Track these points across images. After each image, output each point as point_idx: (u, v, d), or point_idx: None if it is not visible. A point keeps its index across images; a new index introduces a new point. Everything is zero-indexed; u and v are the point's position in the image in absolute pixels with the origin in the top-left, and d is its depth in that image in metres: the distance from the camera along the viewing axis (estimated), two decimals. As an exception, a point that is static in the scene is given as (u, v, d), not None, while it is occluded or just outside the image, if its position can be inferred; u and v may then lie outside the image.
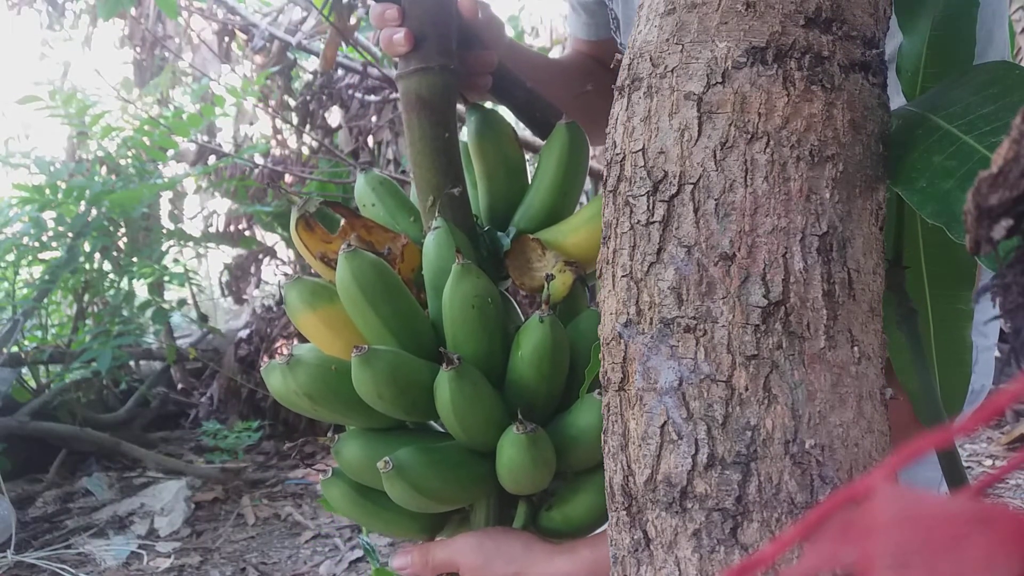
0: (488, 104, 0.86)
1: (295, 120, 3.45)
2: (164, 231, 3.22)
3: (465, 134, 0.80)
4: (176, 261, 3.33)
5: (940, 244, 0.54)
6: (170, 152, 3.23)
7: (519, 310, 0.78)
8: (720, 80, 0.43)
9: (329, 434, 0.70)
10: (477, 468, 0.68)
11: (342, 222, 0.73)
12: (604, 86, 1.02)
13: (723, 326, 0.42)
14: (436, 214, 0.71)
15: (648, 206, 0.44)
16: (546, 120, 0.81)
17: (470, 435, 0.66)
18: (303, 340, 0.75)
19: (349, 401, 0.66)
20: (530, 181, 0.80)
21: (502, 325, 0.69)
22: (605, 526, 0.70)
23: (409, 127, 0.71)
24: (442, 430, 0.70)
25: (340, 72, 3.25)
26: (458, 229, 0.71)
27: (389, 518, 0.71)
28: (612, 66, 0.49)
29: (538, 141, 0.81)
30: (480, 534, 0.68)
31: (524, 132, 1.05)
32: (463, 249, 0.68)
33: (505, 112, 0.89)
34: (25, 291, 3.08)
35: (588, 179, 3.09)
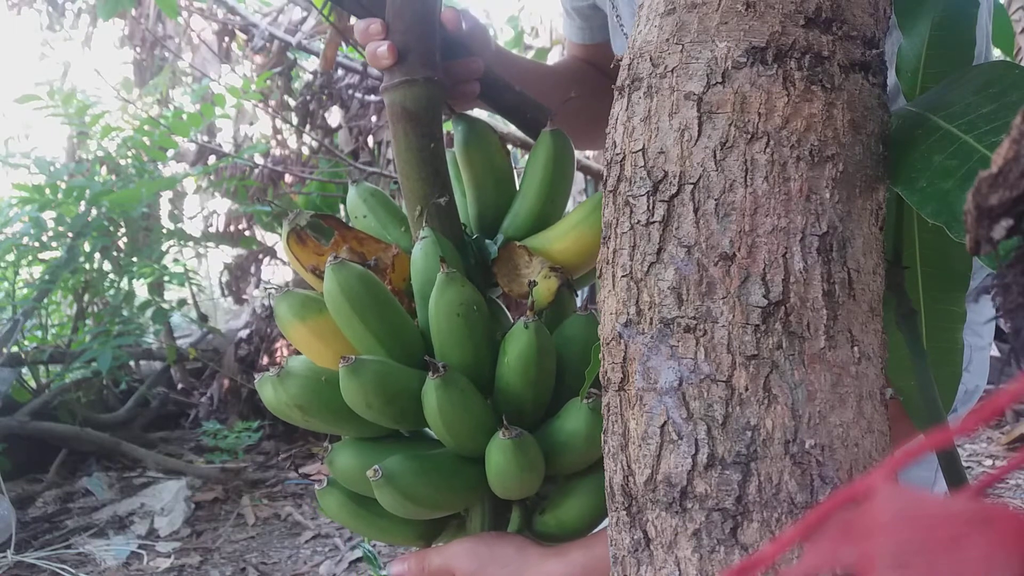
0: (483, 113, 0.85)
1: (295, 120, 3.45)
2: (164, 231, 3.22)
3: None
4: (176, 261, 3.32)
5: (935, 245, 0.54)
6: (170, 152, 3.22)
7: (510, 316, 0.78)
8: (720, 80, 0.43)
9: (325, 444, 0.70)
10: (468, 474, 0.69)
11: (334, 234, 0.74)
12: (598, 89, 1.02)
13: (723, 326, 0.42)
14: (424, 224, 0.72)
15: (648, 206, 0.44)
16: (537, 121, 0.81)
17: (459, 442, 0.67)
18: None
19: (340, 411, 0.67)
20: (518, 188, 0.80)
21: (489, 332, 0.69)
22: (599, 528, 0.71)
23: (396, 139, 0.72)
24: (436, 437, 0.70)
25: (340, 72, 3.25)
26: (446, 238, 0.71)
27: (385, 526, 0.72)
28: (612, 65, 0.49)
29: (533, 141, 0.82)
30: (474, 539, 0.69)
31: (516, 131, 1.05)
32: (450, 258, 0.69)
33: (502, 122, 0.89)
34: (25, 291, 3.08)
35: (590, 180, 3.09)
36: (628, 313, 0.44)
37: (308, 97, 3.35)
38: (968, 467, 2.52)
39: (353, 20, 0.74)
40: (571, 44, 1.15)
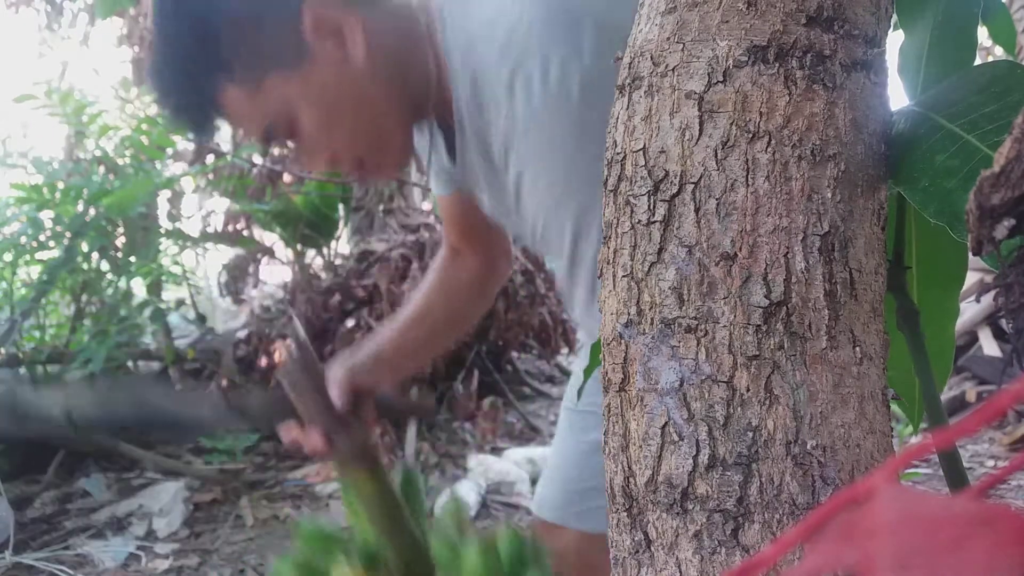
0: None
1: (294, 120, 3.43)
2: (162, 231, 3.21)
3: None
4: (175, 262, 3.32)
5: (932, 243, 0.54)
6: (168, 151, 3.22)
7: None
8: (721, 79, 0.43)
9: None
10: None
11: None
12: (452, 292, 1.17)
13: (724, 326, 0.41)
14: None
15: (649, 206, 0.44)
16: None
17: None
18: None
19: None
20: None
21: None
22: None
23: None
24: None
25: (339, 72, 3.24)
26: None
27: None
28: (615, 60, 0.49)
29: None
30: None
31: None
32: None
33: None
34: (23, 291, 3.07)
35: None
36: (629, 313, 0.44)
37: (307, 97, 3.34)
38: (970, 468, 2.51)
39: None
40: (440, 199, 1.20)
